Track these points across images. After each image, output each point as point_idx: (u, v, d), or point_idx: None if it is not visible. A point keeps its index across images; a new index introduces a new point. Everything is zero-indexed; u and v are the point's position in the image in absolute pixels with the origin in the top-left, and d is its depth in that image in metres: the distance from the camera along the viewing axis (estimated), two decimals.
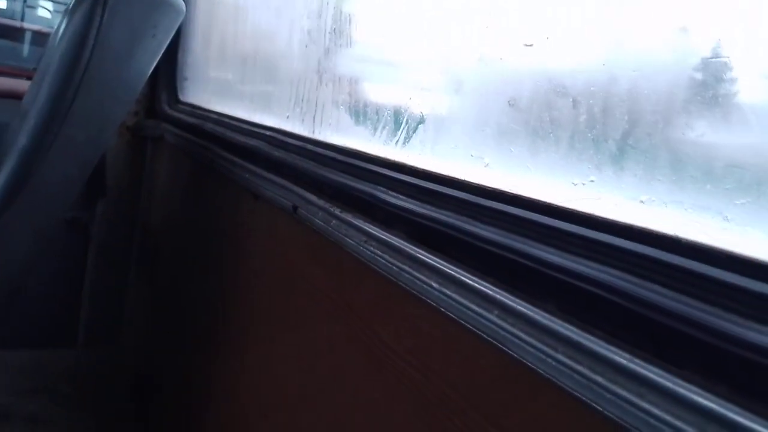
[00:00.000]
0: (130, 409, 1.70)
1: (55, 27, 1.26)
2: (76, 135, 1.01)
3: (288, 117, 1.17)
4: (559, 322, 0.47)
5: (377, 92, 0.97)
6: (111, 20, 1.00)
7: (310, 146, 1.01)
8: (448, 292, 0.59)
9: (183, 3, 1.12)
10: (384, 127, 0.89)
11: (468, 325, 0.56)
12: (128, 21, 1.02)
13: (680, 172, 0.48)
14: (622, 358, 0.42)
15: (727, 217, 0.44)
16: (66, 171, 1.05)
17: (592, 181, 0.56)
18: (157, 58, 1.12)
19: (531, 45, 0.63)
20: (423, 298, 0.63)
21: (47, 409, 1.58)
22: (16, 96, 1.65)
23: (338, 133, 1.01)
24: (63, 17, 1.16)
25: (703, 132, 0.47)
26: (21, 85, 1.82)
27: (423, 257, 0.64)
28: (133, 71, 1.07)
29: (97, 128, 1.08)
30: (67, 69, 0.97)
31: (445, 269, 0.61)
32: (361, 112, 0.96)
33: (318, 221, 0.86)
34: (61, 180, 1.05)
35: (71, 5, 1.12)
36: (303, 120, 1.12)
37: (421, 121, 0.80)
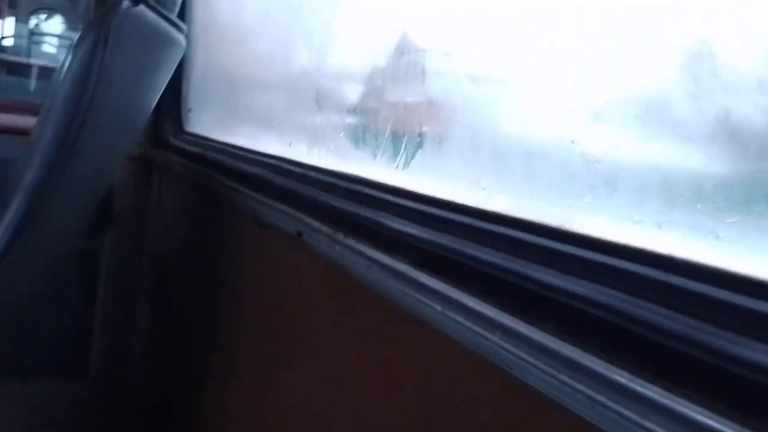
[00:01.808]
0: None
1: (60, 62, 1.28)
2: (82, 169, 1.03)
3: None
4: (561, 343, 0.48)
5: None
6: (113, 56, 1.02)
7: (312, 173, 1.02)
8: (451, 315, 0.60)
9: (183, 37, 1.14)
10: None
11: (471, 348, 0.56)
12: (131, 56, 1.05)
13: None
14: (623, 378, 0.42)
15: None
16: (73, 204, 1.07)
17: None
18: (160, 92, 1.14)
19: None
20: (427, 321, 0.63)
21: None
22: (23, 132, 1.67)
23: None
24: (67, 53, 1.19)
25: None
26: (27, 121, 1.84)
27: (426, 281, 0.65)
28: (137, 105, 1.09)
29: (103, 161, 1.09)
30: (72, 105, 0.99)
31: (448, 293, 0.61)
32: None
33: (322, 247, 0.87)
34: (69, 213, 1.07)
35: (74, 42, 1.14)
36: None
37: None
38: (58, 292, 1.78)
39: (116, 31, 1.00)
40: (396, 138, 0.86)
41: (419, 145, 0.81)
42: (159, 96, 1.14)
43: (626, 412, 0.41)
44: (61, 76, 1.10)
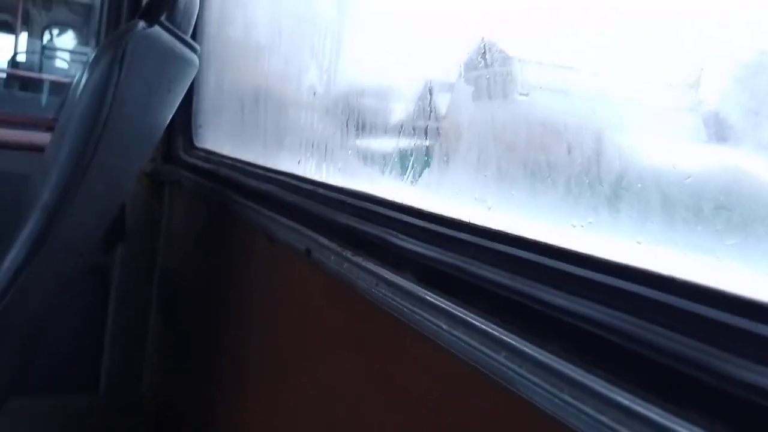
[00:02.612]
0: None
1: (74, 79, 1.31)
2: (96, 187, 1.05)
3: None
4: (564, 362, 0.49)
5: None
6: (128, 76, 1.04)
7: (321, 190, 1.04)
8: (456, 334, 0.61)
9: (197, 57, 1.16)
10: None
11: (477, 366, 0.57)
12: (146, 76, 1.07)
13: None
14: (624, 398, 0.43)
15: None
16: (87, 221, 1.09)
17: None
18: (174, 110, 1.16)
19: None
20: (433, 339, 0.64)
21: None
22: (35, 148, 1.70)
23: None
24: (82, 72, 1.21)
25: None
26: (40, 137, 1.87)
27: (432, 299, 0.66)
28: (151, 123, 1.11)
29: (117, 179, 1.11)
30: (88, 124, 1.01)
31: (454, 311, 0.62)
32: None
33: (331, 264, 0.89)
34: (82, 230, 1.09)
35: (90, 61, 1.17)
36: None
37: None
38: (69, 305, 1.80)
39: (132, 52, 1.02)
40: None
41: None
42: (173, 114, 1.16)
43: None
44: (77, 94, 1.12)
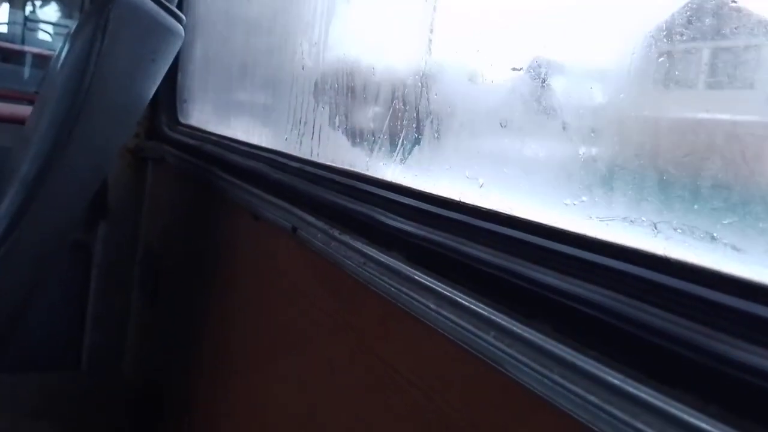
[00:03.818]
0: (132, 431, 1.69)
1: (57, 50, 1.28)
2: (77, 160, 1.02)
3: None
4: (554, 342, 0.48)
5: None
6: (111, 46, 1.01)
7: (309, 168, 1.02)
8: (445, 313, 0.60)
9: (182, 27, 1.13)
10: None
11: (465, 346, 0.57)
12: (128, 46, 1.04)
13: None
14: (615, 378, 0.42)
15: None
16: (68, 195, 1.06)
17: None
18: (158, 82, 1.13)
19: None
20: (421, 318, 0.63)
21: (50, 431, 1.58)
22: (17, 121, 1.67)
23: None
24: (64, 42, 1.18)
25: None
26: (22, 110, 1.83)
27: (420, 279, 0.65)
28: (134, 96, 1.09)
29: (99, 152, 1.09)
30: (69, 95, 0.98)
31: (442, 290, 0.61)
32: None
33: (317, 242, 0.87)
34: (63, 205, 1.06)
35: (72, 31, 1.13)
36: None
37: None
38: (51, 283, 1.78)
39: (115, 21, 0.99)
40: None
41: None
42: (156, 87, 1.13)
43: (618, 412, 0.41)
44: (58, 65, 1.10)
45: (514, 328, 0.52)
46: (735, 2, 0.45)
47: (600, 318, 0.47)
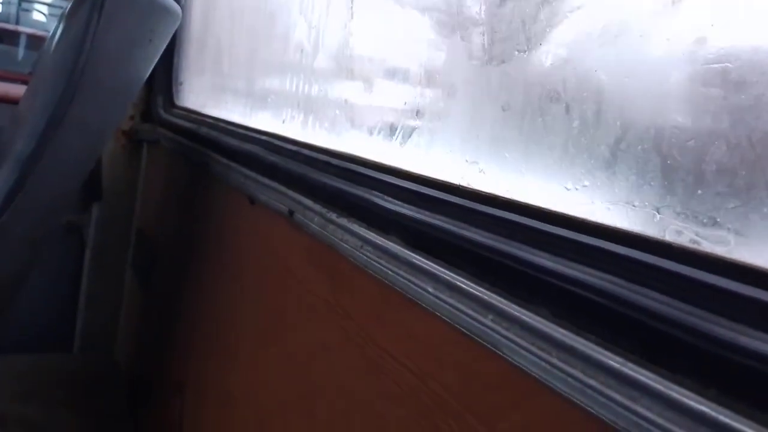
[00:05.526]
0: (124, 413, 1.69)
1: (51, 31, 1.26)
2: (72, 140, 1.01)
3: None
4: (553, 326, 0.48)
5: None
6: (107, 25, 1.00)
7: (305, 151, 1.01)
8: (443, 297, 0.60)
9: (179, 8, 1.12)
10: None
11: (463, 330, 0.57)
12: (124, 26, 1.03)
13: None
14: (614, 362, 0.42)
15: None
16: (62, 176, 1.05)
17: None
18: (154, 63, 1.12)
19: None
20: (418, 302, 0.63)
21: (42, 413, 1.58)
22: (10, 100, 1.65)
23: None
24: (59, 22, 1.17)
25: None
26: (14, 89, 1.82)
27: (418, 262, 0.65)
28: (130, 76, 1.08)
29: (94, 133, 1.08)
30: (63, 74, 0.97)
31: (440, 274, 0.61)
32: None
33: (314, 226, 0.87)
34: (57, 185, 1.05)
35: (67, 10, 1.12)
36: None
37: None
38: (44, 265, 1.77)
39: (112, 0, 0.98)
40: None
41: None
42: (152, 68, 1.12)
43: (617, 396, 0.41)
44: (53, 44, 1.08)
45: (513, 312, 0.52)
46: None
47: (599, 302, 0.46)
